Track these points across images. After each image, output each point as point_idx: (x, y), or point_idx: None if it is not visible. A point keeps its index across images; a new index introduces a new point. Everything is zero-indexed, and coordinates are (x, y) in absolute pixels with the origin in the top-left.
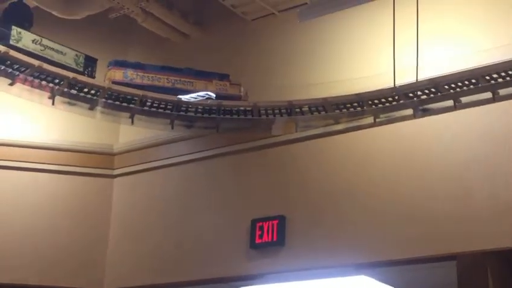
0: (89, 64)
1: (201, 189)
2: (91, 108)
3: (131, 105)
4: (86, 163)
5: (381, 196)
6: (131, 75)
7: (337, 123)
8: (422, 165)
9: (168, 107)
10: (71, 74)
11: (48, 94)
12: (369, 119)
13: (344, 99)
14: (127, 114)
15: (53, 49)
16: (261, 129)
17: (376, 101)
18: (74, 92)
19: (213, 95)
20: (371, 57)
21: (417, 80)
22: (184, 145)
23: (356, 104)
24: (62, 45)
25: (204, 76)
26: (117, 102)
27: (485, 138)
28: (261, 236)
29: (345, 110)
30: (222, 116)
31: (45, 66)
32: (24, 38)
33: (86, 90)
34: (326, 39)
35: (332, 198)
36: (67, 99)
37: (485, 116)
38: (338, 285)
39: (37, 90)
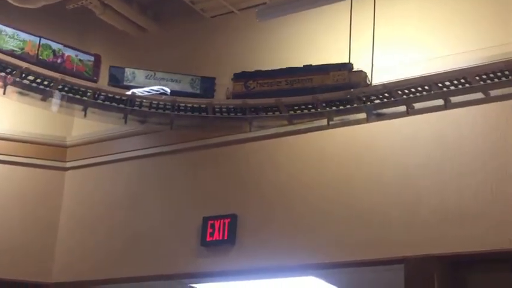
0: (207, 85)
1: (152, 185)
2: (44, 100)
3: (84, 98)
4: (37, 154)
5: (333, 198)
6: (251, 85)
7: (291, 124)
8: (374, 169)
9: (122, 101)
10: (24, 64)
11: None
12: (323, 121)
13: (298, 100)
14: (80, 107)
15: (167, 80)
16: (216, 127)
17: (330, 103)
18: (26, 82)
19: (168, 91)
20: (327, 60)
21: (371, 84)
22: (137, 140)
23: (310, 106)
24: (175, 73)
25: (322, 70)
26: (70, 94)
27: (436, 145)
28: (212, 234)
29: (299, 111)
30: (176, 112)
31: None
32: (137, 76)
33: (39, 80)
34: (284, 39)
35: (284, 198)
36: (19, 89)
37: (437, 122)
38: (286, 285)
39: None
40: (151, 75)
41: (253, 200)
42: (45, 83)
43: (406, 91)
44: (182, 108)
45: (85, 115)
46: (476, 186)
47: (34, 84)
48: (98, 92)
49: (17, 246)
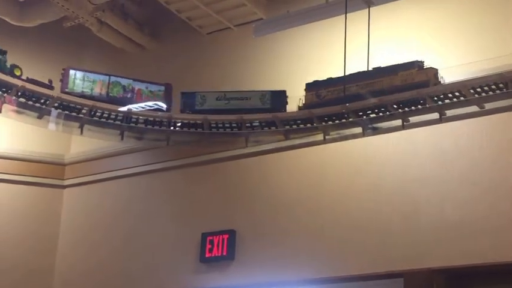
0: (277, 98)
1: (151, 201)
2: (40, 117)
3: (80, 115)
4: (35, 172)
5: (332, 213)
6: (322, 93)
7: (287, 139)
8: (371, 184)
9: (118, 118)
10: (19, 82)
11: None
12: (320, 136)
13: (294, 115)
14: (77, 124)
15: (237, 98)
16: (212, 143)
17: (326, 118)
18: (23, 100)
19: (164, 106)
20: (323, 74)
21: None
22: (135, 157)
23: (306, 121)
24: (244, 90)
25: (391, 71)
26: (66, 112)
27: (433, 158)
28: (210, 250)
29: (295, 126)
30: (172, 128)
31: None
32: (208, 99)
33: (34, 99)
34: (280, 54)
35: (283, 214)
36: (15, 108)
37: (432, 136)
38: None
39: None
40: (221, 96)
41: (251, 216)
42: (42, 101)
43: (401, 105)
44: (179, 124)
45: (81, 132)
46: (474, 199)
47: (30, 102)
48: (94, 110)
49: (17, 265)
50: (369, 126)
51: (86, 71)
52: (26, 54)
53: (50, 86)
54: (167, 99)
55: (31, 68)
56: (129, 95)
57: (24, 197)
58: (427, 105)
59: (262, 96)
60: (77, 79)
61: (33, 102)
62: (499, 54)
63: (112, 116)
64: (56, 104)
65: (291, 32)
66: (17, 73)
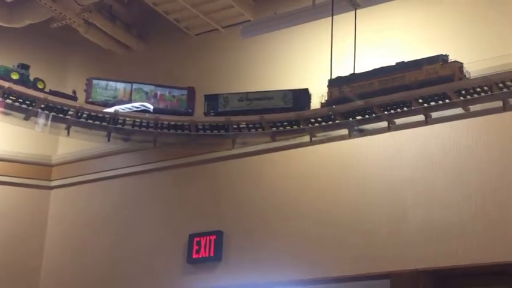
0: (300, 97)
1: (139, 202)
2: (27, 119)
3: (67, 117)
4: (22, 173)
5: (319, 215)
6: (345, 89)
7: (274, 140)
8: (358, 186)
9: (105, 119)
10: (6, 84)
11: None
12: (306, 138)
13: (281, 117)
14: (63, 126)
15: (259, 99)
16: (199, 145)
17: (312, 120)
18: (9, 101)
19: (151, 107)
20: (308, 76)
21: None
22: (123, 158)
23: (293, 122)
24: (266, 91)
25: (415, 65)
26: (53, 113)
27: (420, 160)
28: (198, 251)
29: (281, 128)
30: (159, 130)
31: None
32: (231, 101)
33: (21, 100)
34: (267, 55)
35: (270, 215)
36: (2, 109)
37: (419, 137)
38: None
39: None
40: (244, 97)
41: (239, 217)
42: (28, 102)
43: (387, 107)
44: (165, 125)
45: (68, 134)
46: (461, 200)
47: (17, 104)
48: (80, 111)
49: (4, 265)
50: (356, 128)
51: (108, 80)
52: (13, 55)
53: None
54: (190, 102)
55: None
56: (152, 101)
57: (11, 198)
58: (451, 100)
59: (285, 95)
60: (100, 88)
61: (19, 104)
62: (487, 56)
63: (99, 118)
64: (42, 106)
65: (279, 33)
66: (40, 86)
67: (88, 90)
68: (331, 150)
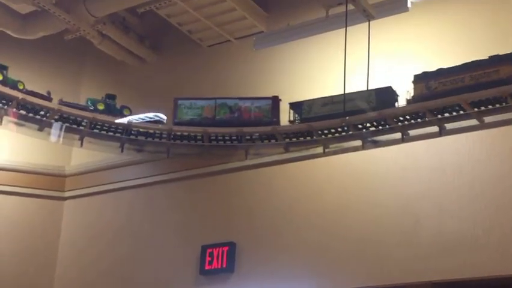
0: (384, 96)
1: (151, 214)
2: (40, 130)
3: (80, 128)
4: (36, 184)
5: (332, 226)
6: (432, 85)
7: (287, 152)
8: (371, 197)
9: (118, 130)
10: (20, 95)
11: None
12: (319, 149)
13: (294, 128)
14: (77, 136)
15: (342, 102)
16: (212, 156)
17: (325, 131)
18: (23, 112)
19: (164, 118)
20: (322, 87)
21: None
22: (136, 169)
23: (305, 134)
24: (350, 92)
25: (509, 59)
26: (67, 124)
27: (433, 172)
28: (210, 263)
29: (294, 139)
30: (172, 141)
31: None
32: (314, 107)
33: (35, 111)
34: (280, 67)
35: (282, 227)
36: (16, 120)
37: (432, 149)
38: None
39: None
40: (329, 101)
41: (251, 228)
42: (42, 113)
43: (401, 118)
44: (178, 136)
45: (82, 144)
46: (474, 212)
47: (30, 115)
48: (94, 122)
49: (17, 277)
50: (369, 139)
51: (192, 98)
52: (27, 67)
53: (48, 98)
54: (274, 111)
55: (32, 81)
56: (236, 114)
57: (25, 208)
58: None
59: (368, 95)
60: (185, 108)
61: (33, 115)
62: None
63: (112, 129)
64: (56, 117)
65: (291, 45)
66: (127, 113)
67: (175, 112)
68: (344, 161)
